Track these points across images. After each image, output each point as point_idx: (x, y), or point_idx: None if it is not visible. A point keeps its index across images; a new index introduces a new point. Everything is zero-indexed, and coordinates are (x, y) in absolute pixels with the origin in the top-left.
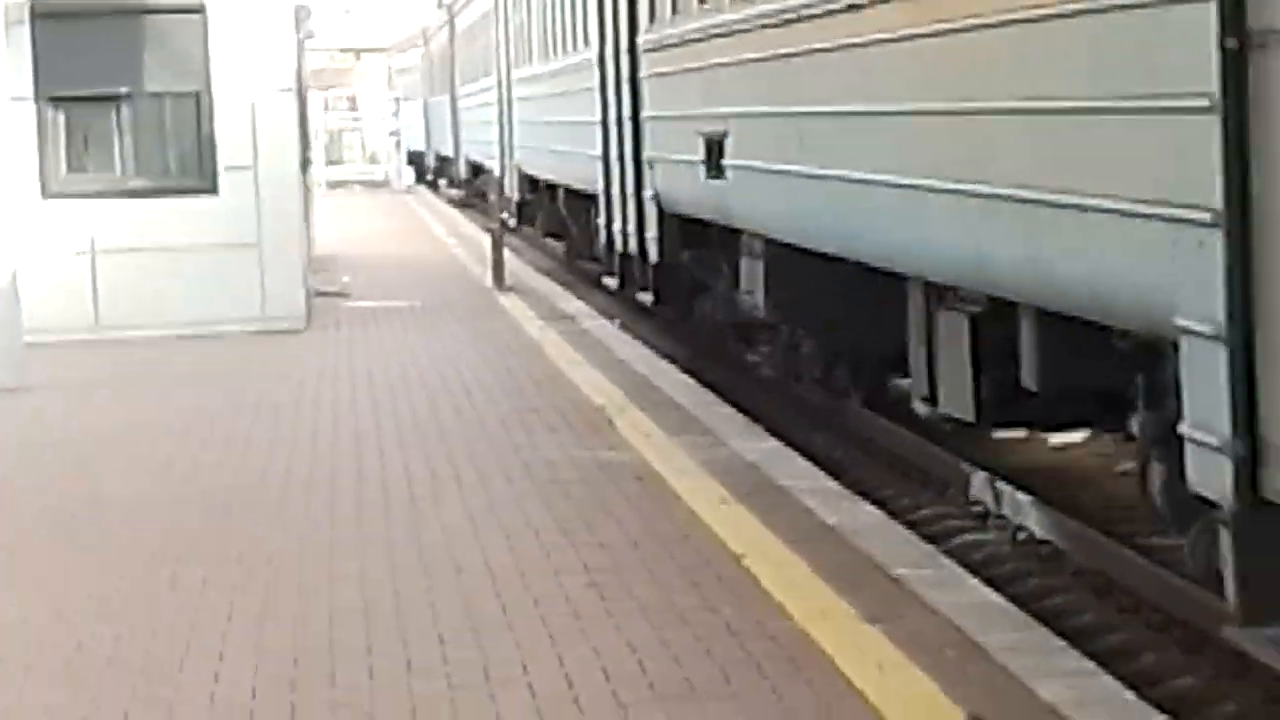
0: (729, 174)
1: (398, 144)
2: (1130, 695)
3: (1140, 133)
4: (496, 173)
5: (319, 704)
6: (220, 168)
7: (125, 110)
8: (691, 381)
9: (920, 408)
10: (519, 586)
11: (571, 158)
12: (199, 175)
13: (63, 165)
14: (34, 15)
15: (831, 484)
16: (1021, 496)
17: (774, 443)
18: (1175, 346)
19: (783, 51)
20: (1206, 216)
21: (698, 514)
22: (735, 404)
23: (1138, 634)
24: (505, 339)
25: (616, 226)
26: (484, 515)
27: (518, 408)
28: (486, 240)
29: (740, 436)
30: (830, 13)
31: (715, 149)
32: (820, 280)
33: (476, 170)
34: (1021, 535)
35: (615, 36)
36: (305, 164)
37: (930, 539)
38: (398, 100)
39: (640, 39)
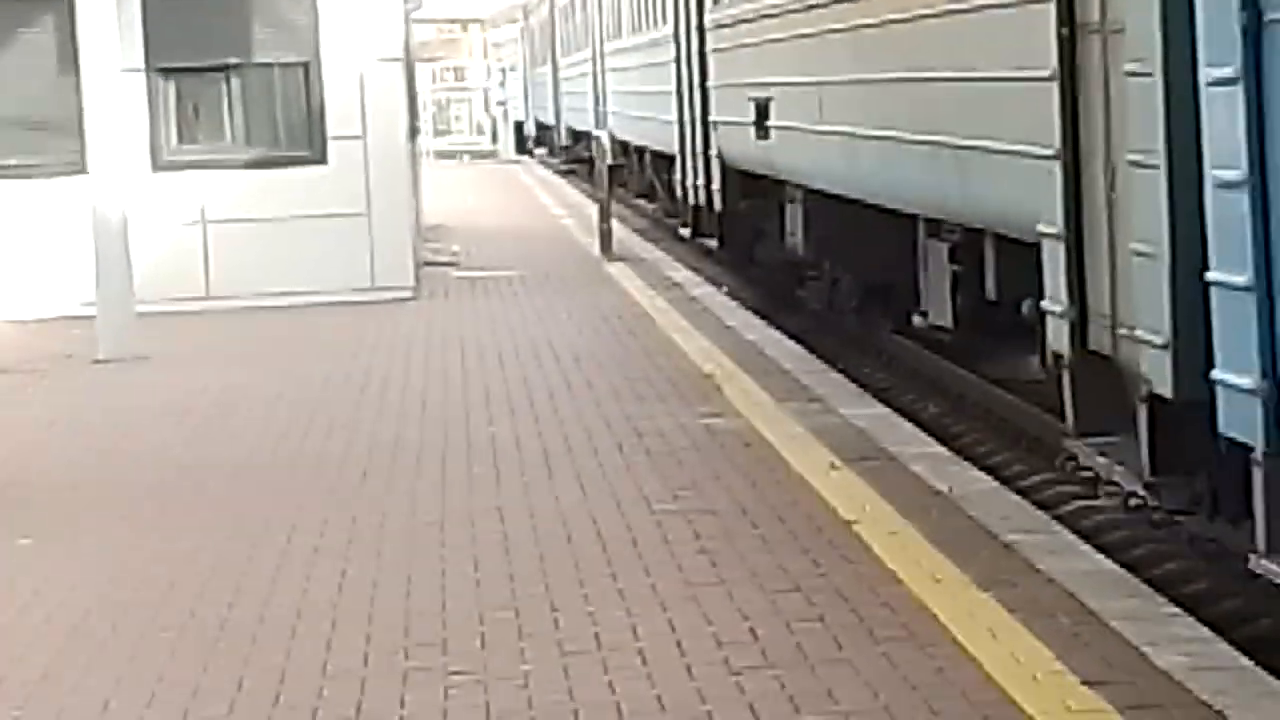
0: (773, 134)
1: (505, 114)
2: (1246, 661)
3: (1015, 96)
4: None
5: (431, 672)
6: (329, 137)
7: (235, 81)
8: (799, 349)
9: (916, 320)
10: (630, 554)
11: (655, 123)
12: (308, 145)
13: (173, 136)
14: None
15: (941, 449)
16: (1130, 464)
17: (882, 408)
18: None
19: (807, 32)
20: (1051, 152)
21: (807, 480)
22: (844, 372)
23: (1252, 600)
24: (613, 307)
25: (689, 181)
26: (595, 483)
27: (627, 375)
28: (594, 209)
29: (848, 402)
30: (835, 2)
31: (763, 112)
32: (846, 221)
33: (576, 137)
34: (1133, 502)
35: (687, 15)
36: (413, 134)
37: (1041, 506)
38: (504, 71)
39: (707, 18)
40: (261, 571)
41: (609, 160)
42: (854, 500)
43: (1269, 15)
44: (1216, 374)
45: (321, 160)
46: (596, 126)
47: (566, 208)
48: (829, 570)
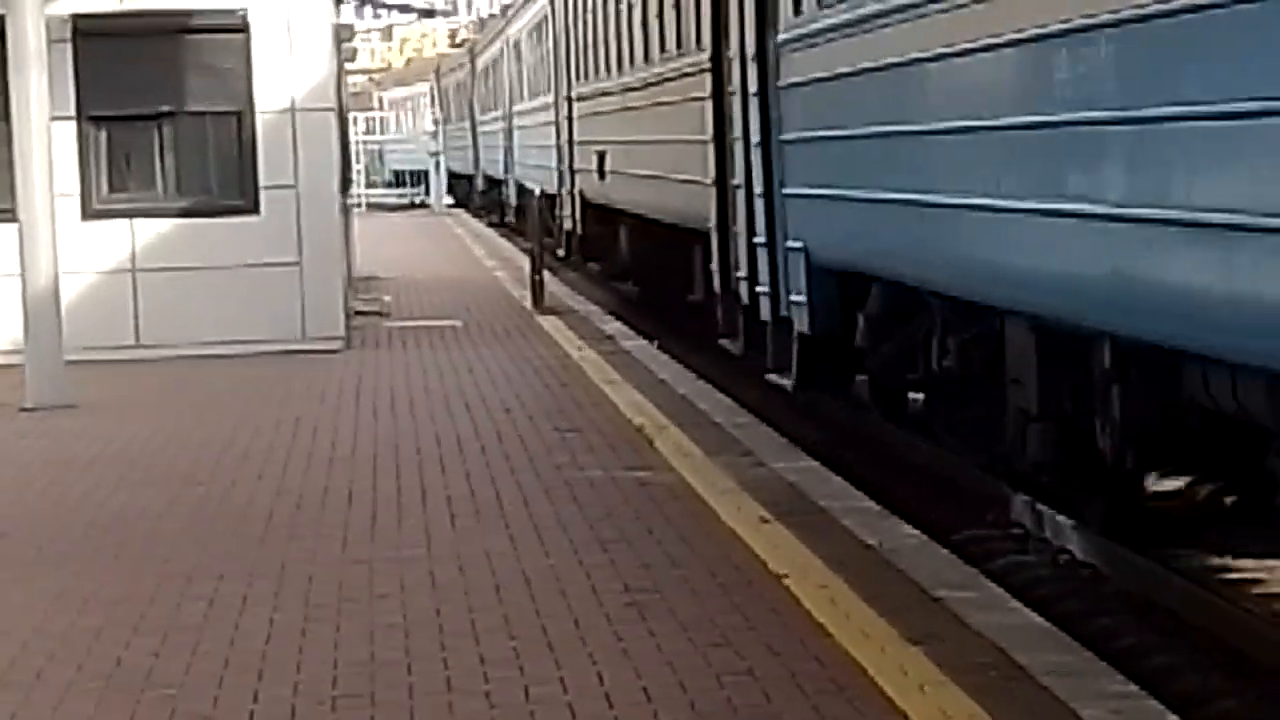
0: (608, 176)
1: (437, 164)
2: (1174, 717)
3: (694, 152)
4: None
5: None
6: (261, 186)
7: (167, 129)
8: (729, 401)
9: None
10: (560, 606)
11: (544, 170)
12: (240, 194)
13: (104, 184)
14: (76, 34)
15: (870, 504)
16: (1062, 519)
17: (812, 462)
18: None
19: (630, 105)
20: (710, 181)
21: (738, 533)
22: (772, 422)
23: (1180, 657)
24: (545, 359)
25: (564, 214)
26: (525, 535)
27: (558, 427)
28: (525, 262)
29: (778, 456)
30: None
31: (601, 161)
32: (645, 236)
33: (491, 183)
34: (1063, 558)
35: (562, 87)
36: (346, 184)
37: (971, 561)
38: (437, 122)
39: (573, 90)
40: (189, 621)
41: (515, 201)
42: (784, 554)
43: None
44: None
45: (254, 210)
46: (505, 173)
47: (498, 259)
48: (759, 624)
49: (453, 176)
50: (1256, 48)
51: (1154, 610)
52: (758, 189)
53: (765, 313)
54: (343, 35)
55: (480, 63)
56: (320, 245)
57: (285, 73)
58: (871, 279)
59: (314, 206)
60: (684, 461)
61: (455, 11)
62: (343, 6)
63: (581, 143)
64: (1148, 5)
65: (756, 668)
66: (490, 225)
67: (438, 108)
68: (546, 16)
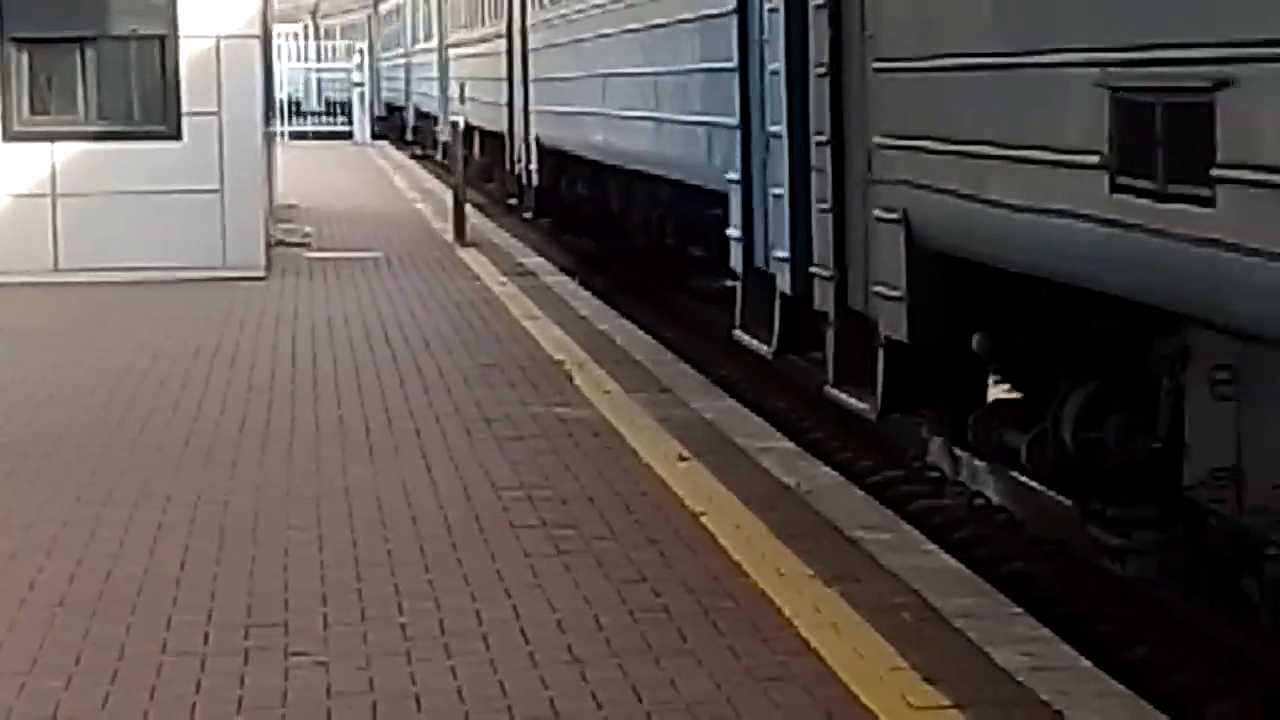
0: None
1: (361, 96)
2: (1087, 663)
3: (698, 82)
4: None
5: (272, 652)
6: (184, 113)
7: (89, 52)
8: (650, 339)
9: None
10: (476, 540)
11: (491, 106)
12: (162, 120)
13: (25, 107)
14: None
15: (789, 444)
16: (979, 463)
17: (731, 401)
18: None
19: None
20: (734, 122)
21: (655, 471)
22: (692, 361)
23: (1092, 603)
24: (466, 293)
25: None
26: (442, 468)
27: (478, 362)
28: (448, 194)
29: (698, 394)
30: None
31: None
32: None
33: (423, 118)
34: (978, 502)
35: (517, 15)
36: (269, 113)
37: (888, 503)
38: (361, 53)
39: (530, 19)
40: (103, 547)
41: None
42: (701, 492)
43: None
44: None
45: (176, 136)
46: (439, 109)
47: (421, 192)
48: (675, 561)
49: (390, 108)
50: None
51: (1066, 554)
52: (824, 136)
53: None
54: None
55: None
56: (242, 174)
57: None
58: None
59: (237, 134)
60: (603, 398)
61: None
62: None
63: (541, 79)
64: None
65: (672, 605)
66: (413, 158)
67: (369, 36)
68: None
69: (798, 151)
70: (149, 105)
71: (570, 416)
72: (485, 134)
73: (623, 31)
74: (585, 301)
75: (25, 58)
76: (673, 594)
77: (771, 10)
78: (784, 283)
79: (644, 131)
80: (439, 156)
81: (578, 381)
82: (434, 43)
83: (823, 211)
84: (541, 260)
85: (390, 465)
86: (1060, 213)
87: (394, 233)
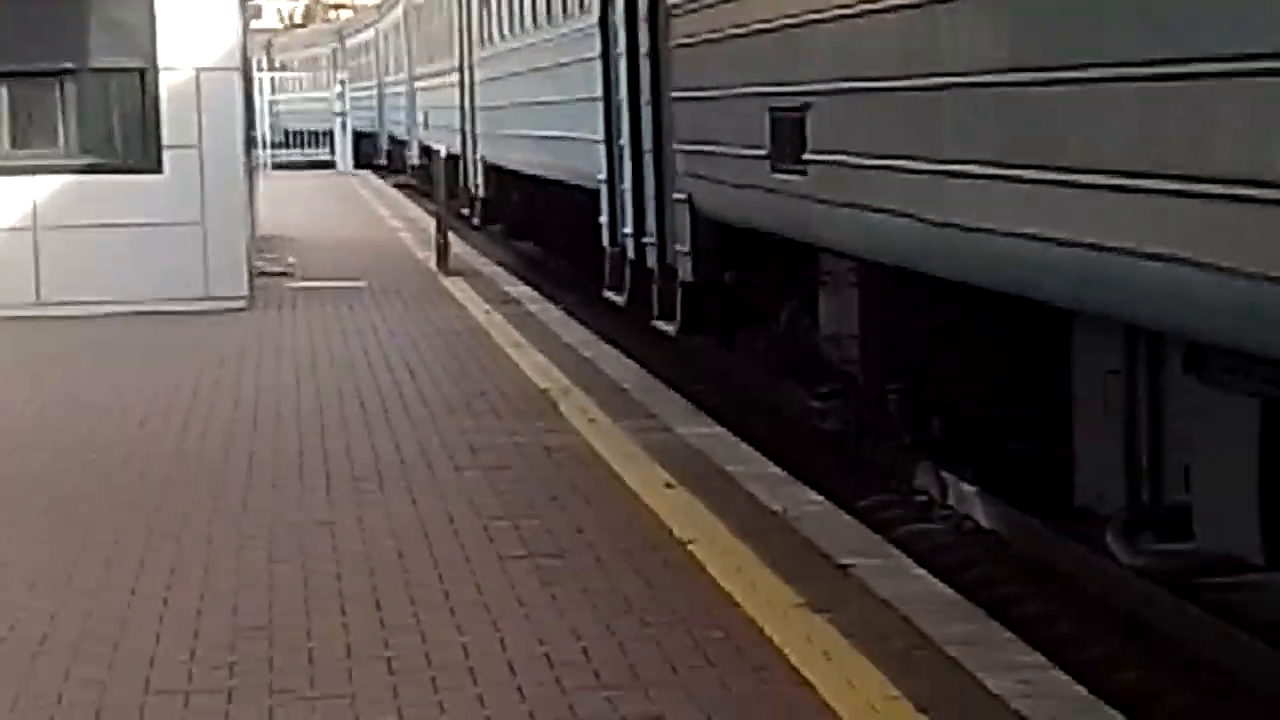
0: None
1: (343, 125)
2: (1080, 689)
3: (587, 112)
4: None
5: (256, 690)
6: (164, 145)
7: (69, 86)
8: (635, 365)
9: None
10: (463, 571)
11: (448, 132)
12: (143, 153)
13: (4, 140)
14: None
15: (775, 470)
16: (966, 486)
17: (717, 428)
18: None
19: (517, 70)
20: (600, 138)
21: (643, 499)
22: (678, 388)
23: (1083, 625)
24: (450, 322)
25: (469, 177)
26: (428, 499)
27: (462, 391)
28: (430, 223)
29: (684, 421)
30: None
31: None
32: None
33: (396, 143)
34: (967, 525)
35: (465, 53)
36: (250, 143)
37: (875, 527)
38: (342, 82)
39: (475, 57)
40: (85, 584)
41: (417, 160)
42: (689, 520)
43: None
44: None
45: (156, 169)
46: (407, 134)
47: (404, 220)
48: (664, 591)
49: (358, 136)
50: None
51: (1056, 577)
52: (647, 145)
53: (652, 262)
54: None
55: (383, 26)
56: (223, 205)
57: (189, 31)
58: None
59: (217, 166)
60: (589, 426)
61: None
62: None
63: (484, 108)
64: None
65: (661, 636)
66: (396, 186)
67: (342, 69)
68: None
69: (637, 158)
70: (129, 138)
71: (556, 444)
72: (446, 156)
73: (531, 70)
74: (570, 329)
75: (4, 91)
76: (662, 624)
77: (619, 56)
78: (630, 251)
79: (549, 148)
80: (406, 176)
81: (563, 409)
82: (403, 75)
83: (650, 199)
84: (526, 289)
85: (375, 497)
86: (752, 187)
87: (377, 261)
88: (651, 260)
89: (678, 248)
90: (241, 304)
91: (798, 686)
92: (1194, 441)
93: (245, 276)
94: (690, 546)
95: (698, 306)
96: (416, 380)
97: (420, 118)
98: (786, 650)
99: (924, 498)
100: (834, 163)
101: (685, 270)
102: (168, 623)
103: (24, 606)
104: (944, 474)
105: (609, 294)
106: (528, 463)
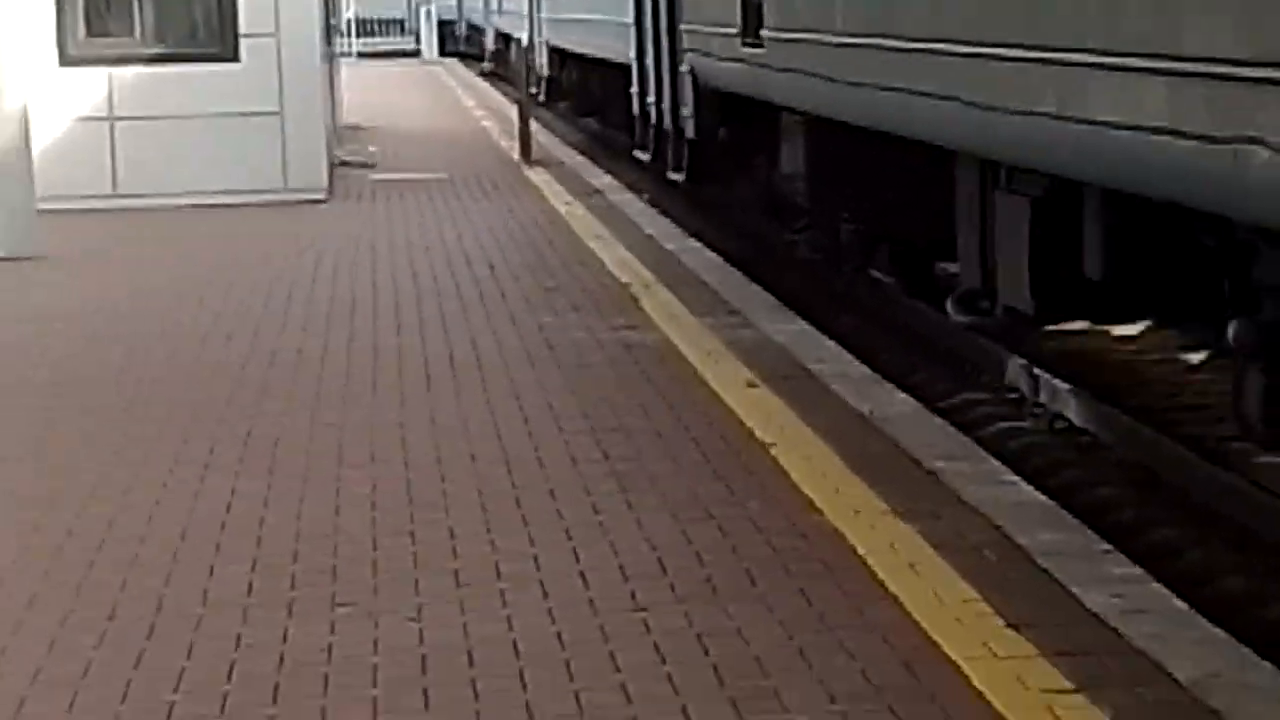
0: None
1: (428, 13)
2: (1181, 604)
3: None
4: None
5: (318, 601)
6: (241, 34)
7: None
8: (719, 260)
9: None
10: (537, 476)
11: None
12: (220, 41)
13: (81, 30)
14: None
15: (862, 369)
16: (1059, 384)
17: (803, 325)
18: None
19: None
20: (630, 22)
21: (724, 399)
22: (762, 281)
23: (1182, 531)
24: (531, 214)
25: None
26: (503, 398)
27: (542, 285)
28: (513, 112)
29: (769, 318)
30: None
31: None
32: None
33: (506, 40)
34: (1059, 424)
35: None
36: (332, 31)
37: (963, 427)
38: None
39: None
40: (147, 488)
41: (492, 45)
42: (771, 422)
43: None
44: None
45: (233, 58)
46: (485, 21)
47: (488, 110)
48: (743, 497)
49: (440, 24)
50: None
51: (1154, 482)
52: (663, 27)
53: (667, 124)
54: None
55: None
56: (302, 94)
57: None
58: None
59: (295, 55)
60: (670, 322)
61: None
62: None
63: None
64: None
65: (740, 545)
66: (481, 75)
67: None
68: None
69: (656, 39)
70: (206, 26)
71: (636, 341)
72: (515, 40)
73: None
74: (652, 220)
75: None
76: (741, 534)
77: None
78: (652, 116)
79: (596, 30)
80: (485, 61)
81: (644, 304)
82: None
83: (665, 72)
84: (609, 180)
85: (449, 397)
86: (730, 59)
87: (459, 153)
88: (667, 123)
89: (683, 112)
90: (321, 195)
91: (881, 599)
92: (999, 233)
93: (324, 168)
94: (772, 450)
95: (701, 159)
96: (496, 275)
97: (495, 4)
98: (870, 560)
99: (1015, 394)
100: (780, 39)
101: (689, 129)
102: (229, 530)
103: (80, 512)
104: (1036, 371)
105: (637, 153)
106: (607, 360)
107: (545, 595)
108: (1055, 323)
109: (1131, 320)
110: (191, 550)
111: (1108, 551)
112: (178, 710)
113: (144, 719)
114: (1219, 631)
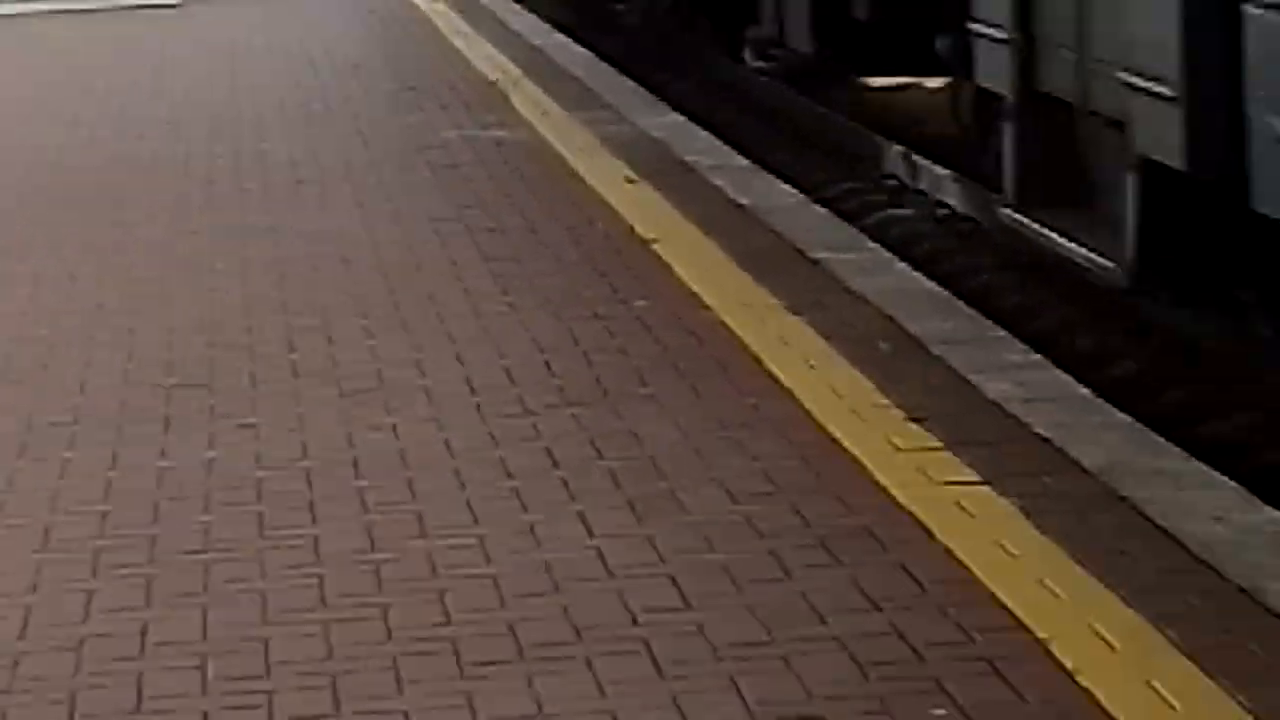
0: None
1: None
2: (1083, 390)
3: None
4: None
5: (195, 412)
6: None
7: None
8: (589, 54)
9: None
10: (414, 280)
11: None
12: None
13: None
14: None
15: (741, 160)
16: (939, 170)
17: (677, 116)
18: None
19: None
20: None
21: (602, 195)
22: (632, 74)
23: (1072, 314)
24: (393, 12)
25: None
26: (375, 202)
27: (407, 84)
28: None
29: (642, 111)
30: None
31: None
32: None
33: None
34: (941, 212)
35: None
36: None
37: (845, 216)
38: None
39: None
40: (9, 305)
41: None
42: (652, 217)
43: None
44: None
45: None
46: None
47: None
48: (628, 295)
49: None
50: None
51: (1040, 266)
52: None
53: None
54: None
55: None
56: None
57: None
58: None
59: None
60: (542, 118)
61: None
62: None
63: None
64: None
65: (628, 345)
66: None
67: None
68: None
69: None
70: None
71: (508, 140)
72: None
73: None
74: (517, 16)
75: None
76: (628, 333)
77: None
78: None
79: None
80: None
81: (514, 101)
82: None
83: None
84: None
85: (317, 201)
86: None
87: None
88: None
89: None
90: (174, 0)
91: (777, 396)
92: None
93: None
94: (654, 245)
95: None
96: (359, 75)
97: None
98: (764, 356)
99: (894, 182)
100: None
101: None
102: (99, 339)
103: None
104: (915, 158)
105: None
106: (478, 160)
107: (430, 401)
108: (832, 63)
109: (906, 69)
110: (59, 367)
111: (1002, 338)
112: (55, 533)
113: (20, 543)
114: (1123, 416)
